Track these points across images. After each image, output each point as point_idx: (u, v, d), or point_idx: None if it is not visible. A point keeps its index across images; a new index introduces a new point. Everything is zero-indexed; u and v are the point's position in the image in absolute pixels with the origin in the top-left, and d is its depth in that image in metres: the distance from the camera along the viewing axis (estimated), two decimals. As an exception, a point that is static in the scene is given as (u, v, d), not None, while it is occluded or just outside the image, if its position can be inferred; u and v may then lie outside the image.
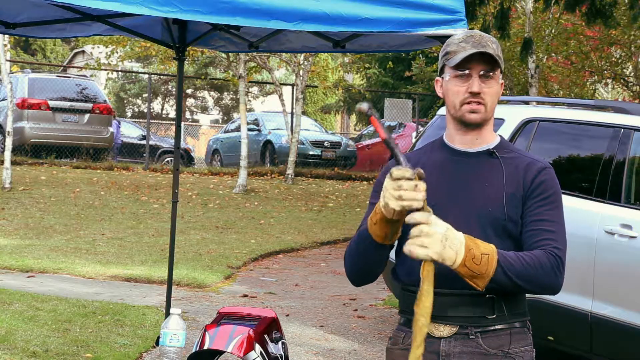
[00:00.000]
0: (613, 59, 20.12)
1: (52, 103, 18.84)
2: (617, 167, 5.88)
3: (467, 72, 2.58)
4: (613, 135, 5.98)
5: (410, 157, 2.71)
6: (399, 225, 2.48)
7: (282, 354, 3.96)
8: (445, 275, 2.49)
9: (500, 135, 2.72)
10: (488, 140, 2.67)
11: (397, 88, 28.01)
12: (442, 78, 2.65)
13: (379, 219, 2.46)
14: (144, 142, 21.28)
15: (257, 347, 3.77)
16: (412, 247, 2.33)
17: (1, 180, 14.83)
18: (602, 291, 5.70)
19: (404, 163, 2.37)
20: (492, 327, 2.56)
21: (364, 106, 2.37)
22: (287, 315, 7.89)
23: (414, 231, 2.35)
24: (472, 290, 2.50)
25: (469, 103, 2.59)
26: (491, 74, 2.59)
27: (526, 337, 2.62)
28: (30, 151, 18.90)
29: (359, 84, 31.85)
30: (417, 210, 2.36)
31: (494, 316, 2.55)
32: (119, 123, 22.51)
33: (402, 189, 2.35)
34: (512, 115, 6.53)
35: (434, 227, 2.34)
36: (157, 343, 4.24)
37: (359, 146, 23.41)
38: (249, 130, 19.70)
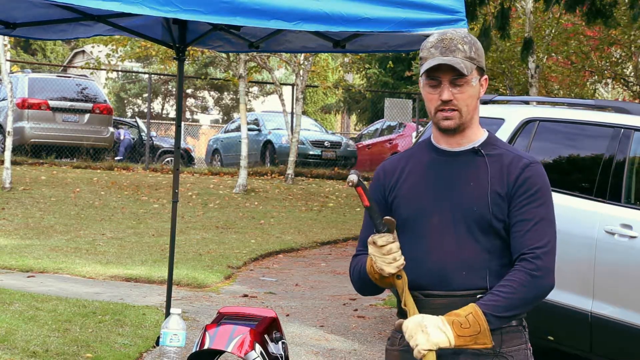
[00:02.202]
0: (613, 59, 20.12)
1: (52, 103, 18.84)
2: (617, 167, 5.88)
3: (437, 79, 2.58)
4: (613, 135, 5.97)
5: (398, 159, 2.73)
6: None
7: (282, 353, 3.96)
8: (438, 277, 2.52)
9: (488, 131, 2.71)
10: (474, 138, 2.66)
11: (397, 88, 28.01)
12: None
13: (380, 278, 2.57)
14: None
15: (257, 347, 3.77)
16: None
17: (1, 180, 14.83)
18: (602, 291, 5.70)
19: (382, 229, 2.49)
20: None
21: (354, 179, 2.46)
22: (287, 315, 7.89)
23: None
24: (463, 291, 2.54)
25: (442, 110, 2.59)
26: (464, 78, 2.57)
27: (520, 336, 2.61)
28: (31, 151, 18.90)
29: (359, 84, 31.85)
30: None
31: None
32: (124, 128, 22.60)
33: (393, 252, 2.49)
34: (512, 115, 6.53)
35: (408, 323, 2.48)
36: (157, 343, 4.24)
37: (359, 146, 23.40)
38: (249, 130, 19.69)
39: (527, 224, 2.54)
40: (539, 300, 2.54)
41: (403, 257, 2.50)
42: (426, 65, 2.56)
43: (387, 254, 2.48)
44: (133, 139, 22.64)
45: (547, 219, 2.56)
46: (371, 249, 2.51)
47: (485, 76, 2.66)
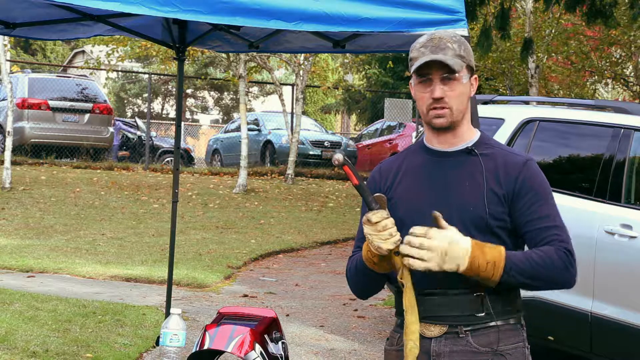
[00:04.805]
0: (613, 59, 20.14)
1: (52, 103, 18.84)
2: (617, 167, 5.88)
3: (428, 77, 2.59)
4: (613, 135, 5.98)
5: (392, 160, 2.75)
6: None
7: (282, 354, 3.96)
8: (434, 276, 2.52)
9: (480, 130, 2.73)
10: (466, 138, 2.67)
11: (397, 88, 28.00)
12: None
13: (379, 261, 2.55)
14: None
15: (257, 347, 3.77)
16: (411, 261, 2.44)
17: (1, 180, 14.83)
18: (602, 291, 5.70)
19: (375, 207, 2.49)
20: (482, 325, 2.57)
21: (339, 157, 2.47)
22: (287, 315, 7.89)
23: (413, 241, 2.43)
24: (461, 289, 2.55)
25: (434, 109, 2.60)
26: (455, 75, 2.59)
27: (518, 334, 2.62)
28: (30, 151, 18.90)
29: (359, 84, 31.85)
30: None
31: (483, 314, 2.56)
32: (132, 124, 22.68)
33: (389, 228, 2.48)
34: (512, 115, 6.53)
35: (435, 241, 2.43)
36: (157, 343, 4.24)
37: (359, 146, 23.40)
38: (249, 130, 19.70)
39: (544, 220, 2.56)
40: (556, 288, 2.55)
41: (399, 233, 2.50)
42: (417, 63, 2.58)
43: (383, 230, 2.47)
44: (134, 138, 22.66)
45: (559, 215, 2.60)
46: (366, 229, 2.50)
47: (475, 75, 2.68)
